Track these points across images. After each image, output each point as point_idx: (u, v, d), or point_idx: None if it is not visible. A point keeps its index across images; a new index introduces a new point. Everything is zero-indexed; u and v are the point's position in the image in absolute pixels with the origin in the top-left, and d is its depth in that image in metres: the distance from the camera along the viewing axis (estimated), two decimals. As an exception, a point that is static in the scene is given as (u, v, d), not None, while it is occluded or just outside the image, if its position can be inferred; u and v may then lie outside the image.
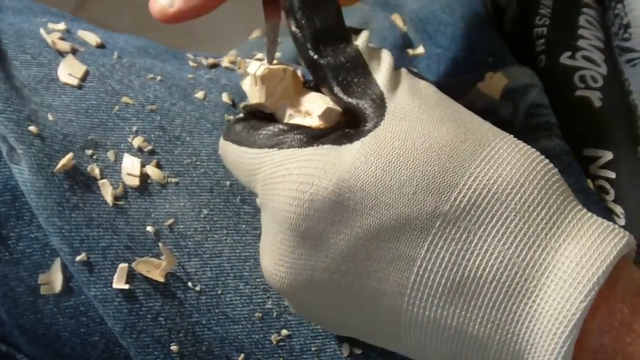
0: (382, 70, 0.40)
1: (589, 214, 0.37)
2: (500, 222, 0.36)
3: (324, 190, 0.37)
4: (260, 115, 0.43)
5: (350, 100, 0.39)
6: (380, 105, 0.38)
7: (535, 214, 0.36)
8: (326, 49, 0.40)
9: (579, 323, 0.34)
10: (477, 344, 0.36)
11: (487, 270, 0.35)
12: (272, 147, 0.40)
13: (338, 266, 0.38)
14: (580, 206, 0.37)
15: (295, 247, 0.38)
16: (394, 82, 0.39)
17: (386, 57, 0.40)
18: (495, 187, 0.36)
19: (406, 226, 0.36)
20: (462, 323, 0.36)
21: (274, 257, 0.39)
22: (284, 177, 0.38)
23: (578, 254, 0.35)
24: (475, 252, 0.36)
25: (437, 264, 0.36)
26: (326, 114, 0.40)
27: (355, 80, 0.40)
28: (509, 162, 0.37)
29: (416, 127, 0.37)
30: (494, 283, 0.35)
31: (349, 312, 0.40)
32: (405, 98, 0.39)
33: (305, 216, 0.37)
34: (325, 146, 0.38)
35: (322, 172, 0.37)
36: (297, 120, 0.41)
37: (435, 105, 0.39)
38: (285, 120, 0.42)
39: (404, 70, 0.41)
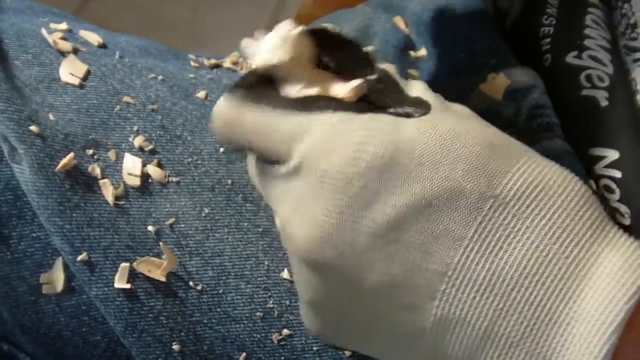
0: (418, 86, 0.41)
1: (622, 231, 0.37)
2: (548, 216, 0.36)
3: (384, 151, 0.37)
4: (264, 82, 0.43)
5: (392, 109, 0.40)
6: (425, 105, 0.39)
7: (581, 213, 0.36)
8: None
9: (622, 324, 0.33)
10: (506, 343, 0.36)
11: (531, 262, 0.35)
12: (323, 111, 0.39)
13: (385, 232, 0.37)
14: (612, 223, 0.37)
15: (345, 207, 0.37)
16: (431, 96, 0.41)
17: (420, 82, 0.42)
18: (544, 182, 0.36)
19: (458, 201, 0.36)
20: (497, 317, 0.36)
21: (317, 219, 0.38)
22: (340, 137, 0.38)
23: (621, 259, 0.35)
24: (522, 242, 0.35)
25: (484, 248, 0.36)
26: (360, 88, 0.41)
27: (390, 95, 0.41)
28: (551, 167, 0.37)
29: (465, 121, 0.39)
30: (536, 277, 0.35)
31: (375, 296, 0.38)
32: (445, 107, 0.40)
33: (361, 175, 0.37)
34: (383, 115, 0.39)
35: (383, 135, 0.37)
36: (316, 89, 0.42)
37: (474, 115, 0.40)
38: (299, 88, 0.42)
39: (439, 96, 0.41)
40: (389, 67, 0.42)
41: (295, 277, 0.43)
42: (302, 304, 0.44)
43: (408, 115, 0.39)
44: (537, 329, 0.35)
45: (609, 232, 0.36)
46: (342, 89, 0.41)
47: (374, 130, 0.38)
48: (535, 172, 0.36)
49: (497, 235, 0.36)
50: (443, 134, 0.37)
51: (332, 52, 0.43)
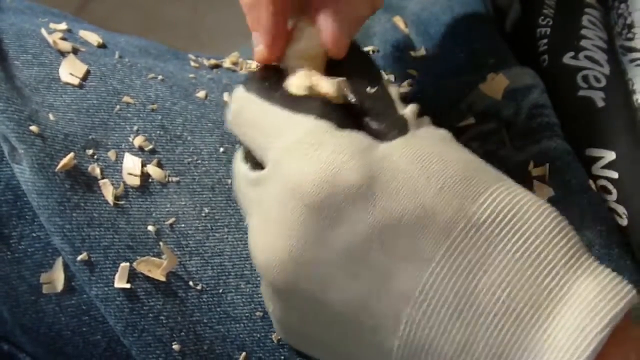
0: (407, 109, 0.40)
1: (598, 261, 0.36)
2: (521, 242, 0.35)
3: (354, 165, 0.36)
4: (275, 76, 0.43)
5: (374, 122, 0.40)
6: (404, 125, 0.39)
7: (555, 241, 0.35)
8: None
9: (594, 354, 0.33)
10: None
11: (502, 287, 0.34)
12: (309, 114, 0.39)
13: (350, 250, 0.36)
14: (589, 253, 0.37)
15: (311, 218, 0.36)
16: (417, 119, 0.40)
17: (414, 105, 0.41)
18: (517, 208, 0.35)
19: (428, 220, 0.35)
20: (465, 343, 0.34)
21: (285, 228, 0.36)
22: (314, 146, 0.37)
23: (596, 288, 0.34)
24: (493, 266, 0.34)
25: (453, 270, 0.34)
26: (341, 86, 0.41)
27: (381, 109, 0.40)
28: (526, 194, 0.36)
29: (442, 144, 0.38)
30: (506, 303, 0.34)
31: (340, 317, 0.37)
32: (427, 129, 0.39)
33: (334, 193, 0.36)
34: (361, 133, 0.38)
35: (359, 153, 0.36)
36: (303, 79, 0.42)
37: (453, 141, 0.39)
38: (295, 86, 0.42)
39: (426, 118, 0.41)
40: (393, 87, 0.42)
41: (262, 290, 0.42)
42: (270, 314, 0.43)
43: (382, 133, 0.39)
44: (506, 356, 0.34)
45: (584, 261, 0.35)
46: (327, 84, 0.41)
47: (351, 147, 0.37)
48: (509, 197, 0.36)
49: (468, 257, 0.35)
50: (417, 154, 0.36)
51: (345, 60, 0.43)
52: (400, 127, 0.39)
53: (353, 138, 0.37)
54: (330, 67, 0.43)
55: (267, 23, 0.42)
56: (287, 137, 0.38)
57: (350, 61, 0.43)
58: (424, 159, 0.36)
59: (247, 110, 0.41)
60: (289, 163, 0.37)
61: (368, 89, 0.41)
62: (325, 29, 0.42)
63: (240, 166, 0.42)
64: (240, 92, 0.42)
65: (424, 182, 0.36)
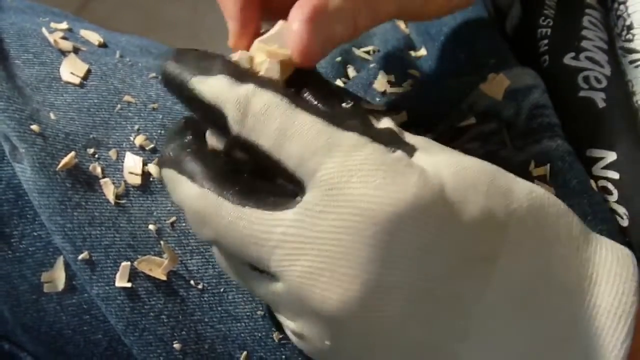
0: (384, 122, 0.39)
1: (594, 233, 0.38)
2: (554, 226, 0.36)
3: (428, 185, 0.34)
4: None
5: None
6: (393, 135, 0.37)
7: (569, 219, 0.37)
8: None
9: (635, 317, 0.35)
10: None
11: (555, 272, 0.35)
12: (353, 130, 0.35)
13: (431, 278, 0.34)
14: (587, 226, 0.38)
15: (398, 247, 0.33)
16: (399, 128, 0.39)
17: (386, 118, 0.39)
18: (541, 196, 0.36)
19: (486, 223, 0.34)
20: (530, 335, 0.35)
21: (362, 272, 0.33)
22: (381, 169, 0.34)
23: (614, 258, 0.36)
24: (544, 255, 0.35)
25: (517, 265, 0.35)
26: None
27: (361, 123, 0.37)
28: (527, 182, 0.37)
29: (450, 151, 0.37)
30: (560, 285, 0.35)
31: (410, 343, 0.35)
32: (424, 140, 0.38)
33: (413, 212, 0.33)
34: (402, 154, 0.35)
35: (419, 171, 0.34)
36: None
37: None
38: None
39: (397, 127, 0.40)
40: (362, 103, 0.41)
41: (299, 329, 0.37)
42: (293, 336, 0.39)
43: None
44: (569, 329, 0.35)
45: (588, 234, 0.37)
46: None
47: (416, 169, 0.34)
48: (528, 189, 0.36)
49: (530, 247, 0.35)
50: (455, 165, 0.36)
51: (309, 82, 0.40)
52: (387, 139, 0.36)
53: (407, 159, 0.35)
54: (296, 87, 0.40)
55: (231, 10, 0.41)
56: (341, 156, 0.34)
57: (313, 81, 0.40)
58: (463, 168, 0.36)
59: (274, 114, 0.35)
60: (360, 188, 0.34)
61: (344, 104, 0.38)
62: (291, 28, 0.39)
63: (247, 197, 0.36)
64: (278, 98, 0.36)
65: (474, 189, 0.35)
